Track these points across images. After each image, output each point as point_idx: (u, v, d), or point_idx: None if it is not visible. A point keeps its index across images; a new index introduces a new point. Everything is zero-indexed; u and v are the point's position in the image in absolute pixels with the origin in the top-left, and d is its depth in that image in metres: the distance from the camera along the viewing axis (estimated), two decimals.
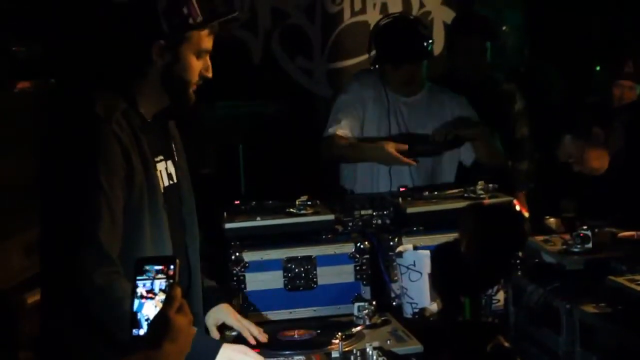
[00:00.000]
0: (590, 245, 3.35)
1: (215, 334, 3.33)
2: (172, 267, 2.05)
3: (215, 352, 2.92)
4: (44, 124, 3.00)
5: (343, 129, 4.82)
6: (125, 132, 2.88)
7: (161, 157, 3.08)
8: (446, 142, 4.58)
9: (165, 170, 3.10)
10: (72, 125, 2.88)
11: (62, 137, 2.87)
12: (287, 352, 3.18)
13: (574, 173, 4.43)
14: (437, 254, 1.79)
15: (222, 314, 3.38)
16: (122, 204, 2.84)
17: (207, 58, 3.03)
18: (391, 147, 4.57)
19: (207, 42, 3.00)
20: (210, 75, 3.04)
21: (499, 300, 3.59)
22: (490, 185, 4.09)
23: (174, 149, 3.17)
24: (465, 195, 4.06)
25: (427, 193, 4.23)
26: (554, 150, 4.38)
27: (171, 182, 3.12)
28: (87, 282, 2.73)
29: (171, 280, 2.05)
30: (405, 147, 4.59)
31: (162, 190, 3.02)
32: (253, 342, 3.26)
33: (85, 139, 2.82)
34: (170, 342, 2.01)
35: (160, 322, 2.03)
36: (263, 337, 3.30)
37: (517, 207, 1.89)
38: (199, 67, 3.00)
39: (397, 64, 4.82)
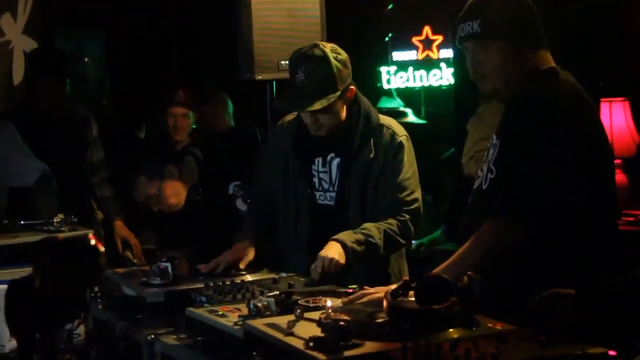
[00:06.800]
0: (169, 277, 3.36)
1: None
2: None
3: None
4: None
5: None
6: None
7: None
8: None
9: None
10: None
11: None
12: None
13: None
14: (11, 289, 1.71)
15: None
16: None
17: None
18: None
19: None
20: None
21: (80, 335, 3.50)
22: (71, 217, 4.03)
23: None
24: (44, 228, 3.96)
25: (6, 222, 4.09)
26: (132, 192, 4.27)
27: None
28: None
29: None
30: None
31: None
32: None
33: None
34: None
35: None
36: None
37: (93, 241, 1.88)
38: None
39: None
